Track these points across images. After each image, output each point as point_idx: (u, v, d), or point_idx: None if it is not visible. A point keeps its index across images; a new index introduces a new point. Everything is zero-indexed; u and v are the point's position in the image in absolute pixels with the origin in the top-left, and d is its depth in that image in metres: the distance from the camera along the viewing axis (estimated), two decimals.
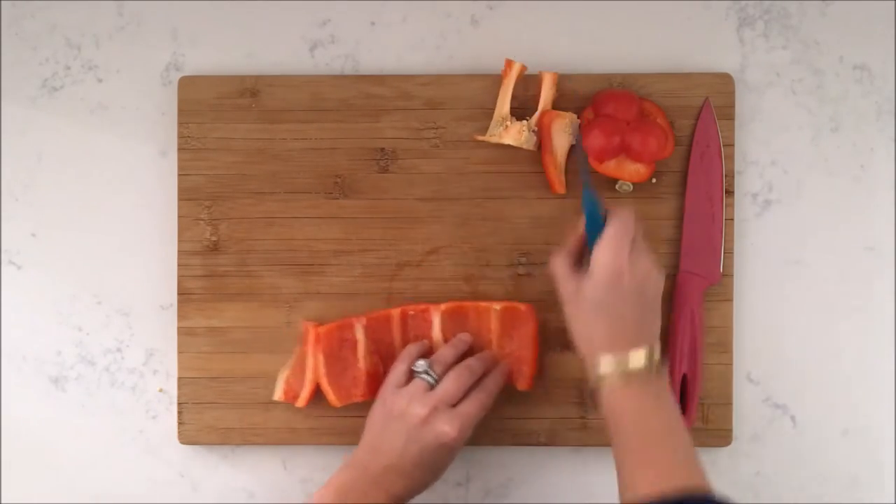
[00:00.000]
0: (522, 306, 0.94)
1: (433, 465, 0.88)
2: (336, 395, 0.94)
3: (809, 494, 0.98)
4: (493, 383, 0.92)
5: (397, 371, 0.91)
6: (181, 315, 0.97)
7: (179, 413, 0.97)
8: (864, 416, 0.97)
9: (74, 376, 0.99)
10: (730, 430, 0.96)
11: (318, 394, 0.95)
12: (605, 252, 0.85)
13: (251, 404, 0.97)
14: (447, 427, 0.87)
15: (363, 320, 0.95)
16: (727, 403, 0.96)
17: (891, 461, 0.97)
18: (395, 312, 0.95)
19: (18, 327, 0.99)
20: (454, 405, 0.89)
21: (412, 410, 0.88)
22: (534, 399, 0.95)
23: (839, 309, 0.97)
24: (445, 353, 0.92)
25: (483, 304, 0.95)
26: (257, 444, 0.97)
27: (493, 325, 0.94)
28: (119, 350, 0.99)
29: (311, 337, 0.94)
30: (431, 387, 0.89)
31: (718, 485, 0.98)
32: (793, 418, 0.98)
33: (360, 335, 0.94)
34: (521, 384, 0.94)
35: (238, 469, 0.99)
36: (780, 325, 0.97)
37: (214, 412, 0.97)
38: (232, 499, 0.99)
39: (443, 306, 0.95)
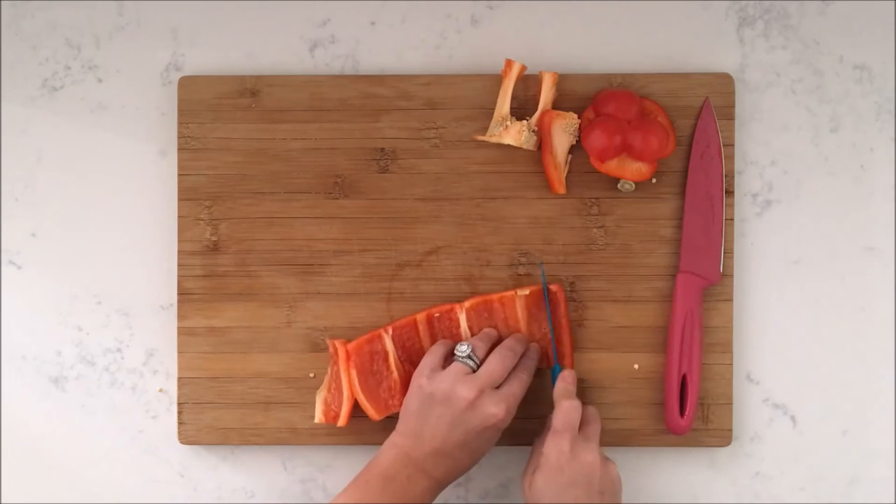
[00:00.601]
0: (552, 287, 0.94)
1: (478, 447, 0.88)
2: (375, 408, 0.94)
3: (809, 494, 0.98)
4: (531, 362, 0.92)
5: (433, 356, 0.91)
6: (181, 315, 0.97)
7: (179, 413, 0.97)
8: (864, 416, 0.97)
9: (74, 376, 0.99)
10: (730, 430, 0.96)
11: (355, 409, 0.94)
12: (547, 446, 0.87)
13: (251, 404, 0.97)
14: (495, 408, 0.87)
15: (389, 330, 0.95)
16: (727, 403, 0.96)
17: (891, 461, 0.97)
18: (421, 317, 0.95)
19: (18, 327, 0.99)
20: (497, 386, 0.89)
21: (459, 394, 0.87)
22: (534, 399, 0.95)
23: (839, 309, 0.97)
24: (482, 338, 0.93)
25: (507, 293, 0.95)
26: (257, 444, 0.97)
27: (521, 312, 0.94)
28: (119, 350, 0.99)
29: (341, 354, 0.94)
30: (473, 370, 0.89)
31: (718, 485, 0.98)
32: (793, 418, 0.98)
33: (389, 345, 0.94)
34: (566, 363, 0.94)
35: (238, 469, 0.99)
36: (780, 325, 0.97)
37: (214, 412, 0.97)
38: (232, 499, 0.99)
39: (467, 303, 0.95)
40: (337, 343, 0.94)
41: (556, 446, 0.86)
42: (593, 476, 0.86)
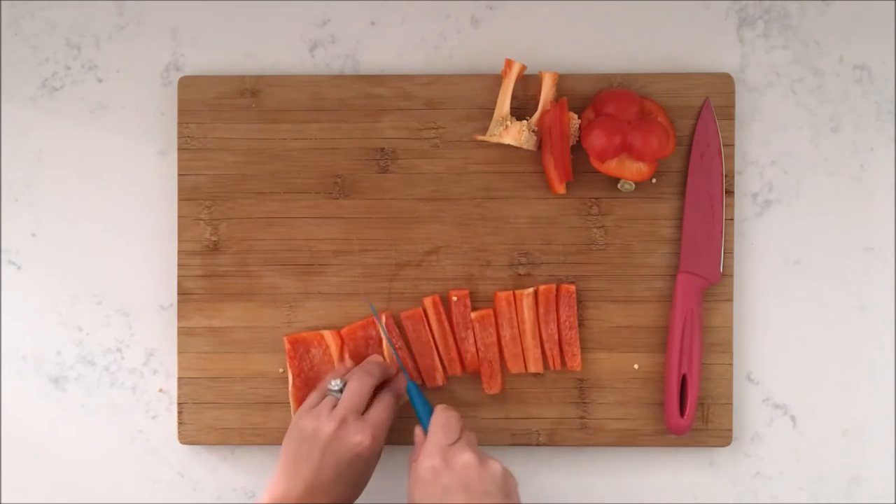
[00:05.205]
0: (567, 287, 0.95)
1: (352, 478, 0.87)
2: None
3: (809, 494, 0.98)
4: (397, 386, 0.92)
5: (311, 398, 0.91)
6: (181, 315, 0.97)
7: (179, 413, 0.97)
8: (864, 416, 0.97)
9: (74, 376, 0.99)
10: (730, 430, 0.96)
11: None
12: (422, 455, 0.84)
13: (251, 404, 0.97)
14: (359, 436, 0.86)
15: (383, 318, 0.95)
16: (727, 403, 0.96)
17: (891, 461, 0.97)
18: (428, 301, 0.95)
19: (18, 327, 0.99)
20: (363, 414, 0.88)
21: (322, 427, 0.86)
22: (534, 399, 0.95)
23: (839, 309, 0.97)
24: (364, 368, 0.92)
25: (504, 292, 0.95)
26: (257, 444, 0.97)
27: (527, 313, 0.94)
28: (119, 350, 0.99)
29: (332, 341, 0.94)
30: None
31: (718, 485, 0.98)
32: (793, 418, 0.98)
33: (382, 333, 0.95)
34: (574, 365, 0.94)
35: (238, 469, 0.99)
36: (780, 325, 0.97)
37: (214, 412, 0.97)
38: (232, 499, 0.99)
39: (474, 314, 0.95)
40: (326, 332, 0.95)
41: (427, 458, 0.84)
42: (470, 478, 0.82)
